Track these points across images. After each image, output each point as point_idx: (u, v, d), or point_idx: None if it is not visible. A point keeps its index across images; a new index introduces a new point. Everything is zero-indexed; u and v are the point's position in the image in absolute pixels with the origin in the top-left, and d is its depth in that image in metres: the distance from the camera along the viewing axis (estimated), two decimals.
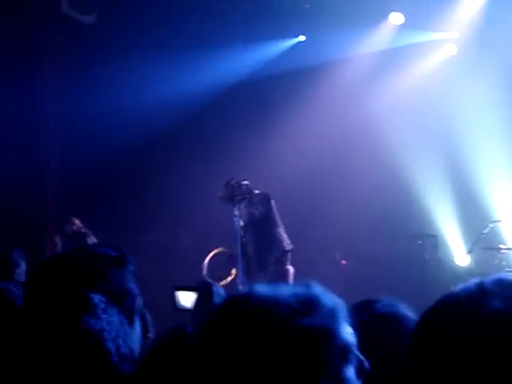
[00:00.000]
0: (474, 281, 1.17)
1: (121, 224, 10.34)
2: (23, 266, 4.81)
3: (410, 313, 2.10)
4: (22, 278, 4.65)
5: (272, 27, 10.91)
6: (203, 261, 8.96)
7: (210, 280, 2.37)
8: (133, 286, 2.08)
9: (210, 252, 8.55)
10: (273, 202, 8.40)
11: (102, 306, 1.60)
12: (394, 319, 1.87)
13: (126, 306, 2.02)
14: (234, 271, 8.30)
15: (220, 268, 8.52)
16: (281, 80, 11.29)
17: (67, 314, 1.52)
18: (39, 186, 10.40)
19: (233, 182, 8.28)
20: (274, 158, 10.18)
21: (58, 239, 9.19)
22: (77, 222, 9.37)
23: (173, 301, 2.59)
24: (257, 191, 8.40)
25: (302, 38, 11.71)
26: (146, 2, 10.22)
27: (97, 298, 1.62)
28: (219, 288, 2.35)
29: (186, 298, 2.34)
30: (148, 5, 10.22)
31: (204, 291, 2.31)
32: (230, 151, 10.93)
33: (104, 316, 1.57)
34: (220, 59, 11.04)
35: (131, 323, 2.05)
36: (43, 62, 10.39)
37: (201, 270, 8.99)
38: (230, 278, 8.31)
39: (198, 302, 2.32)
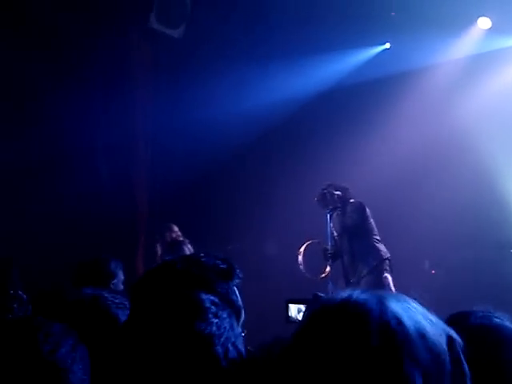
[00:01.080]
0: None
1: (209, 234, 10.48)
2: (120, 275, 4.93)
3: (507, 322, 2.06)
4: (120, 288, 4.78)
5: (358, 35, 10.89)
6: (290, 269, 8.99)
7: (320, 293, 2.36)
8: (237, 299, 2.12)
9: (304, 244, 8.55)
10: (368, 210, 8.33)
11: (214, 309, 1.62)
12: (490, 331, 1.84)
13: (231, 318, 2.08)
14: (328, 268, 8.26)
15: (315, 263, 8.51)
16: (367, 88, 11.23)
17: (179, 317, 1.55)
18: (130, 198, 10.62)
19: (325, 191, 8.27)
20: (362, 166, 10.12)
21: (158, 246, 9.41)
22: (176, 229, 9.59)
23: (286, 313, 2.64)
24: (352, 200, 8.36)
25: (387, 45, 11.65)
26: (232, 13, 10.35)
27: (208, 302, 1.63)
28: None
29: (298, 311, 2.37)
30: (235, 15, 10.34)
31: (314, 303, 2.32)
32: (318, 161, 10.94)
33: (215, 320, 1.59)
34: (308, 68, 11.08)
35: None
36: (133, 76, 10.61)
37: (287, 277, 9.04)
38: (324, 275, 8.28)
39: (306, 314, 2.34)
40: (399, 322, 1.27)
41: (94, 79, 10.05)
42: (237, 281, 2.12)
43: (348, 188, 8.46)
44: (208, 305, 1.59)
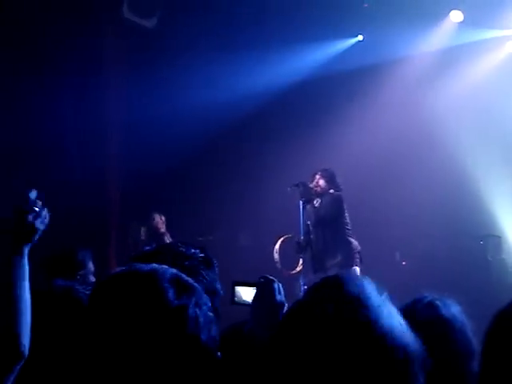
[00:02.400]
0: None
1: (182, 225, 10.46)
2: (90, 266, 4.90)
3: (453, 309, 2.11)
4: (90, 279, 4.75)
5: (331, 27, 10.92)
6: (263, 260, 9.02)
7: (270, 276, 2.36)
8: (219, 286, 2.15)
9: (279, 238, 8.58)
10: (345, 204, 8.38)
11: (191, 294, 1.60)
12: (437, 324, 1.89)
13: (214, 305, 2.09)
14: (301, 261, 8.32)
15: (289, 257, 8.55)
16: (339, 79, 11.26)
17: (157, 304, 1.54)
18: (102, 189, 10.57)
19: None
20: (332, 159, 10.13)
21: (143, 233, 9.42)
22: (161, 219, 9.61)
23: (232, 295, 2.62)
24: (331, 191, 8.39)
25: (360, 37, 11.69)
26: (206, 4, 10.31)
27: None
28: (279, 284, 2.36)
29: (246, 294, 2.35)
30: (208, 6, 10.30)
31: (264, 287, 2.33)
32: (291, 151, 10.96)
33: (196, 308, 1.58)
34: (281, 59, 11.09)
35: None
36: (105, 66, 10.54)
37: (261, 268, 9.06)
38: (298, 268, 8.33)
39: (257, 297, 2.33)
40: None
41: (66, 69, 9.96)
42: (217, 269, 2.16)
43: (335, 177, 8.48)
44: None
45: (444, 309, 2.29)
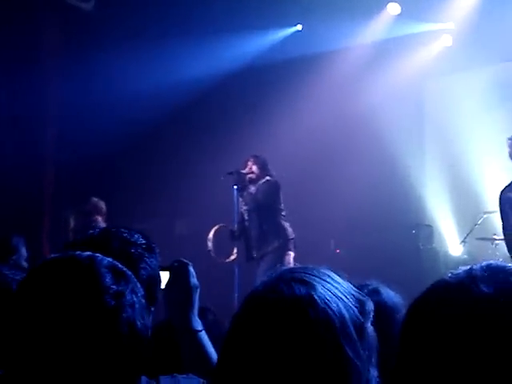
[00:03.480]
0: (464, 268, 1.22)
1: (118, 212, 10.37)
2: (23, 252, 4.84)
3: (394, 298, 2.16)
4: (22, 264, 4.70)
5: (269, 16, 10.92)
6: (199, 248, 9.01)
7: (185, 260, 2.36)
8: (159, 274, 2.15)
9: (213, 228, 8.59)
10: (281, 191, 8.45)
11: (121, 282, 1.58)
12: (377, 307, 1.93)
13: (156, 293, 2.09)
14: (235, 250, 8.36)
15: (223, 245, 8.57)
16: (277, 69, 11.30)
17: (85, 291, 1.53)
18: (36, 174, 10.40)
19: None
20: (268, 147, 10.17)
21: (72, 219, 9.27)
22: (94, 204, 9.47)
23: None
24: (268, 177, 8.43)
25: (299, 27, 11.74)
26: None
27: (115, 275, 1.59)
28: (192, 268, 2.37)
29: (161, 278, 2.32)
30: None
31: (179, 271, 2.33)
32: (226, 140, 10.95)
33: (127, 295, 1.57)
34: (220, 47, 11.04)
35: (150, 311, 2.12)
36: (41, 49, 10.35)
37: (196, 256, 9.05)
38: (233, 257, 8.36)
39: (171, 281, 2.32)
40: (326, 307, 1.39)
41: (1, 51, 9.75)
42: (158, 254, 2.16)
43: (267, 164, 8.53)
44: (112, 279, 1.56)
45: (387, 297, 2.34)
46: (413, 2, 10.66)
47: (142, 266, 2.01)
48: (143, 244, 2.07)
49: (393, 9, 11.09)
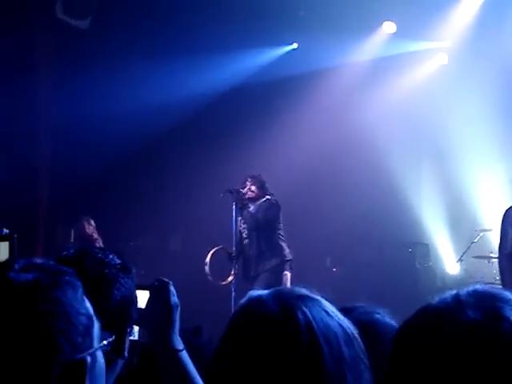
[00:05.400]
0: (450, 292, 1.21)
1: (112, 228, 10.35)
2: None
3: (387, 319, 2.14)
4: None
5: (265, 34, 10.96)
6: (194, 265, 8.98)
7: (165, 279, 2.34)
8: (136, 294, 2.13)
9: (211, 250, 8.55)
10: (280, 211, 8.45)
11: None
12: (369, 328, 1.91)
13: (131, 314, 2.07)
14: (233, 271, 8.33)
15: (220, 267, 8.54)
16: (273, 87, 11.33)
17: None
18: (30, 191, 10.39)
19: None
20: (264, 164, 10.17)
21: (72, 236, 9.29)
22: (93, 224, 9.50)
23: None
24: (268, 197, 8.42)
25: (295, 45, 11.79)
26: (140, 8, 10.25)
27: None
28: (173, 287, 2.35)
29: (141, 298, 2.30)
30: (142, 11, 10.25)
31: (159, 290, 2.31)
32: (221, 157, 10.95)
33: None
34: (216, 65, 11.08)
35: (130, 332, 2.08)
36: (37, 66, 10.37)
37: (191, 272, 9.03)
38: (230, 278, 8.33)
39: (151, 301, 2.30)
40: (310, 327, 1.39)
41: None
42: (134, 276, 2.14)
43: (265, 183, 8.52)
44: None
45: (380, 318, 2.31)
46: (408, 20, 10.70)
47: (116, 286, 2.00)
48: (118, 264, 2.06)
49: (388, 27, 11.15)
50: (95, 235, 9.66)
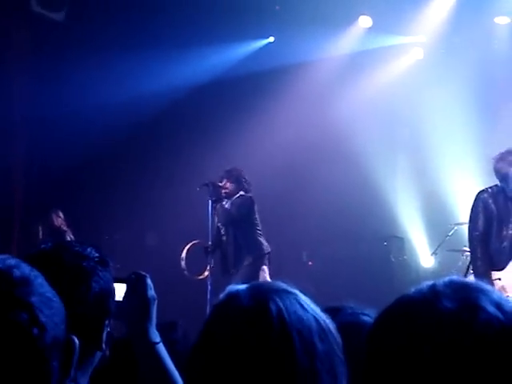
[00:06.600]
0: (427, 283, 1.22)
1: (88, 223, 10.30)
2: None
3: (365, 316, 2.14)
4: None
5: (242, 28, 10.94)
6: (170, 260, 8.97)
7: (142, 272, 2.34)
8: (113, 287, 2.13)
9: (187, 245, 8.54)
10: (255, 206, 8.44)
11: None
12: (356, 329, 1.91)
13: (109, 306, 2.07)
14: (208, 267, 8.32)
15: (196, 261, 8.53)
16: (249, 81, 11.31)
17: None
18: (6, 183, 10.31)
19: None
20: (240, 158, 10.17)
21: (40, 230, 9.19)
22: (62, 216, 9.41)
23: None
24: (242, 193, 8.40)
25: (271, 39, 11.79)
26: (115, 0, 10.19)
27: None
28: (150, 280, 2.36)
29: (118, 290, 2.29)
30: (117, 3, 10.18)
31: (136, 283, 2.31)
32: (201, 150, 10.94)
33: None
34: (191, 59, 11.04)
35: (107, 325, 2.08)
36: (12, 59, 10.28)
37: (168, 267, 9.02)
38: (206, 273, 8.32)
39: (128, 294, 2.31)
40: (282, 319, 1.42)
41: None
42: (111, 269, 2.14)
43: (241, 177, 8.49)
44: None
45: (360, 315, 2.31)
46: (384, 15, 10.74)
47: (94, 279, 2.00)
48: (96, 257, 2.06)
49: (364, 22, 11.17)
50: (64, 227, 9.57)
